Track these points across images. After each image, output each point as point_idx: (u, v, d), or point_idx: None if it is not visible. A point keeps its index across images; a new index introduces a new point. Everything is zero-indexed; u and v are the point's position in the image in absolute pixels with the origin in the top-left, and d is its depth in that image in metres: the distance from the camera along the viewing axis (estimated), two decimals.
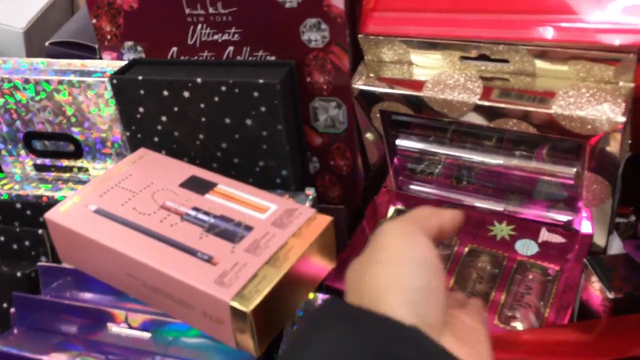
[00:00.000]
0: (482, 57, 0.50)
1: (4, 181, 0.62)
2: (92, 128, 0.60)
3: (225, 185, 0.50)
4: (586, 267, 0.48)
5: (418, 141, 0.59)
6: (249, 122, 0.54)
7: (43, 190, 0.60)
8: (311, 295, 0.47)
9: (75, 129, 0.61)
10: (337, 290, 0.53)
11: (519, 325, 0.48)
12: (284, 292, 0.42)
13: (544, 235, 0.55)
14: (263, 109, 0.53)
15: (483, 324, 0.36)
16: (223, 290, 0.40)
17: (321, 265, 0.47)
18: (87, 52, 0.67)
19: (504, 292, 0.51)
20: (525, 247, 0.54)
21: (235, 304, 0.40)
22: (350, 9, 0.53)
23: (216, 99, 0.53)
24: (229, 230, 0.45)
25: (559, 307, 0.49)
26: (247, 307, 0.39)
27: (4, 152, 0.64)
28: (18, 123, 0.62)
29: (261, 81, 0.51)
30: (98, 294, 0.52)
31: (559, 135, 0.48)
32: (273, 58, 0.56)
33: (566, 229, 0.55)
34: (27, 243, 0.58)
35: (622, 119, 0.44)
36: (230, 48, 0.57)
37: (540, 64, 0.48)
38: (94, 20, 0.59)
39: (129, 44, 0.60)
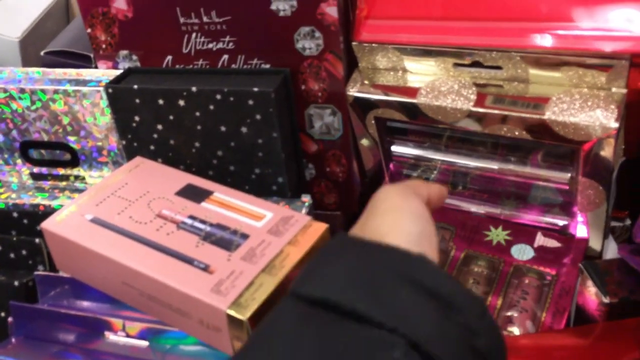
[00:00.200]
0: (476, 64, 0.50)
1: (1, 190, 0.63)
2: (88, 137, 0.60)
3: (221, 193, 0.51)
4: (581, 271, 0.48)
5: (413, 147, 0.59)
6: (244, 130, 0.54)
7: (40, 199, 0.60)
8: None
9: (71, 138, 0.61)
10: None
11: (515, 330, 0.49)
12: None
13: (540, 239, 0.55)
14: (258, 116, 0.53)
15: None
16: (220, 298, 0.40)
17: None
18: (83, 61, 0.67)
19: (500, 297, 0.51)
20: (521, 252, 0.55)
21: (232, 312, 0.40)
22: (344, 17, 0.53)
23: (211, 107, 0.54)
24: (225, 239, 0.46)
25: (555, 312, 0.49)
26: (244, 315, 0.39)
27: (0, 162, 0.64)
28: (14, 132, 0.62)
29: (256, 89, 0.52)
30: (96, 302, 0.53)
31: (552, 141, 0.48)
32: (268, 66, 0.56)
33: (562, 233, 0.56)
34: (24, 252, 0.58)
35: (615, 124, 0.45)
36: (225, 56, 0.57)
37: (533, 70, 0.48)
38: (89, 30, 0.59)
39: (124, 52, 0.60)
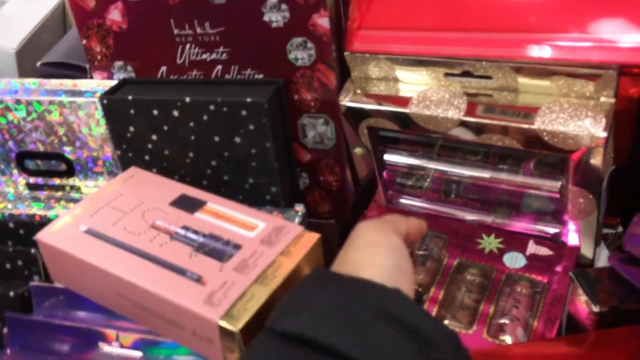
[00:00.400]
0: (466, 74, 0.51)
1: None
2: (84, 147, 0.61)
3: (215, 203, 0.51)
4: (572, 280, 0.48)
5: (406, 156, 0.59)
6: (237, 140, 0.54)
7: (36, 209, 0.60)
8: None
9: (66, 148, 0.61)
10: None
11: (507, 339, 0.49)
12: (272, 310, 0.43)
13: (532, 247, 0.56)
14: (251, 127, 0.53)
15: None
16: (212, 309, 0.41)
17: None
18: (78, 72, 0.67)
19: (492, 305, 0.51)
20: (513, 260, 0.55)
21: (224, 324, 0.40)
22: (336, 28, 0.54)
23: (205, 117, 0.54)
24: (217, 249, 0.46)
25: (547, 320, 0.50)
26: (236, 327, 0.40)
27: None
28: (10, 143, 0.62)
29: (249, 100, 0.52)
30: (90, 313, 0.53)
31: (542, 150, 0.48)
32: (261, 76, 0.57)
33: (554, 241, 0.56)
34: (20, 262, 0.58)
35: (603, 134, 0.45)
36: (219, 67, 0.58)
37: (522, 80, 0.49)
38: (84, 41, 0.60)
39: (119, 63, 0.60)
